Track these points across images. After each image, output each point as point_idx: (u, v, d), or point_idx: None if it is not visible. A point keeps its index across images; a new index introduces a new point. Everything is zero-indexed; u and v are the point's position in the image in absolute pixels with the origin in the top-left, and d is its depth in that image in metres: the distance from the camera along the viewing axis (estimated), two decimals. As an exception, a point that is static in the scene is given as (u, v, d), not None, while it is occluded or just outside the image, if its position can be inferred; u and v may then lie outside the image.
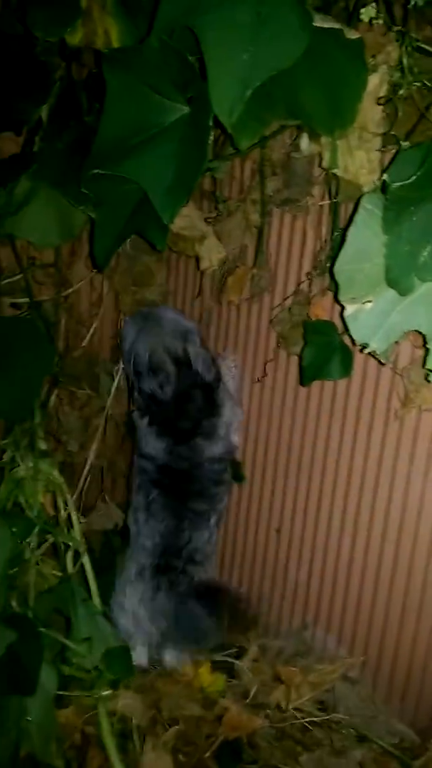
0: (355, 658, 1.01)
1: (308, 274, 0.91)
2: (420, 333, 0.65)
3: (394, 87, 0.71)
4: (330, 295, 0.89)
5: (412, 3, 0.62)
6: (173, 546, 1.01)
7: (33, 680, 0.80)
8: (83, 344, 1.14)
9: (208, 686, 0.97)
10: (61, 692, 0.87)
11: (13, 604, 0.91)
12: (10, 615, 0.88)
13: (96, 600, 0.95)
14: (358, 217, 0.62)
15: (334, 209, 0.82)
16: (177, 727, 0.91)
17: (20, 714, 0.83)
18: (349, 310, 0.66)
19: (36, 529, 0.97)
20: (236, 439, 1.07)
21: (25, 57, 0.83)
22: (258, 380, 1.04)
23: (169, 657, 1.05)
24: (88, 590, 0.96)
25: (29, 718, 0.83)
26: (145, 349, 0.97)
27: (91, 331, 1.13)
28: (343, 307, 0.67)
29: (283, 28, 0.59)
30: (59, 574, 0.98)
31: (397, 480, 0.92)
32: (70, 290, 1.08)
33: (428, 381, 0.74)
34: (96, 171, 0.70)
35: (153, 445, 1.02)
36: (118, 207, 0.75)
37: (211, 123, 0.64)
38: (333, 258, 0.82)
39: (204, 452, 1.01)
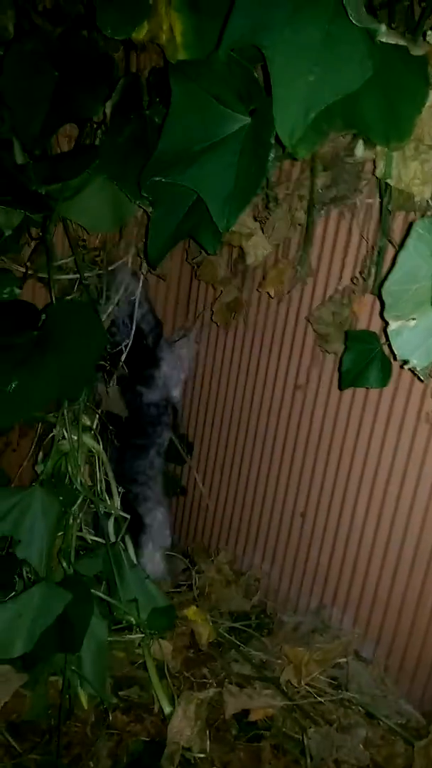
0: (355, 634, 1.07)
1: (353, 278, 0.92)
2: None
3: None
4: (369, 296, 0.92)
5: None
6: (119, 471, 1.19)
7: (80, 639, 0.87)
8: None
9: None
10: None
11: (64, 565, 0.99)
12: (64, 577, 0.95)
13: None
14: (410, 241, 0.64)
15: (384, 216, 0.83)
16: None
17: (65, 665, 0.92)
18: (393, 326, 0.69)
19: (80, 499, 1.04)
20: (176, 391, 1.28)
21: (90, 51, 0.84)
22: (297, 386, 1.09)
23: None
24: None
25: (74, 668, 0.92)
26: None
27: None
28: (386, 323, 0.69)
29: (351, 51, 0.60)
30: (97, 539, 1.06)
31: (424, 473, 0.96)
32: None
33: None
34: (158, 178, 0.72)
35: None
36: (173, 208, 0.78)
37: (272, 138, 0.65)
38: (377, 266, 0.85)
39: (143, 397, 1.22)
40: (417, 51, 0.67)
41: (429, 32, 0.66)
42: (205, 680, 1.04)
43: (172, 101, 0.70)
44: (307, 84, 0.60)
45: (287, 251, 1.03)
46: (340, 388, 0.87)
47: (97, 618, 0.92)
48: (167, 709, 0.94)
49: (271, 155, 0.66)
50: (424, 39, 0.66)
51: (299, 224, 0.97)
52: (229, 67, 0.66)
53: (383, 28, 0.59)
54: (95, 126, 0.90)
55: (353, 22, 0.56)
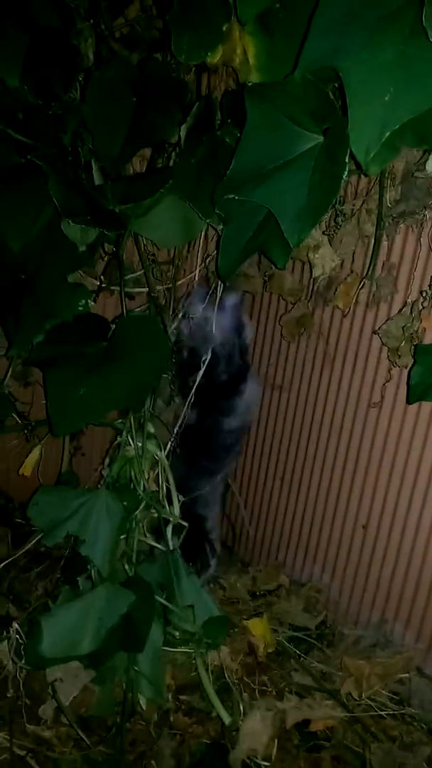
0: (418, 650, 1.05)
1: (422, 291, 0.92)
2: None
3: None
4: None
5: None
6: (179, 489, 1.16)
7: (143, 639, 0.90)
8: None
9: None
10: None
11: (126, 567, 1.02)
12: (127, 579, 0.98)
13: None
14: None
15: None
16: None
17: (129, 665, 0.95)
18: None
19: (143, 504, 1.07)
20: (255, 413, 1.26)
21: (165, 76, 0.88)
22: (374, 405, 1.08)
23: None
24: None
25: (136, 668, 0.95)
26: (211, 339, 1.12)
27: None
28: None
29: (425, 71, 0.61)
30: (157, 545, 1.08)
31: None
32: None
33: None
34: (231, 196, 0.75)
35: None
36: (244, 225, 0.80)
37: (346, 156, 0.67)
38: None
39: (223, 425, 1.19)
40: None
41: None
42: (265, 688, 1.05)
43: (247, 122, 0.73)
44: (382, 104, 0.61)
45: (356, 266, 1.04)
46: (408, 402, 0.87)
47: (155, 622, 0.95)
48: (226, 719, 0.96)
49: (345, 173, 0.67)
50: None
51: (366, 236, 0.97)
52: (304, 88, 0.68)
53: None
54: (168, 147, 0.94)
55: (428, 38, 0.57)
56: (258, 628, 1.12)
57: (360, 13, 0.64)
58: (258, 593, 1.24)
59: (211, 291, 1.12)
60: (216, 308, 1.11)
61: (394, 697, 1.04)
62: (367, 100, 0.62)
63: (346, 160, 0.66)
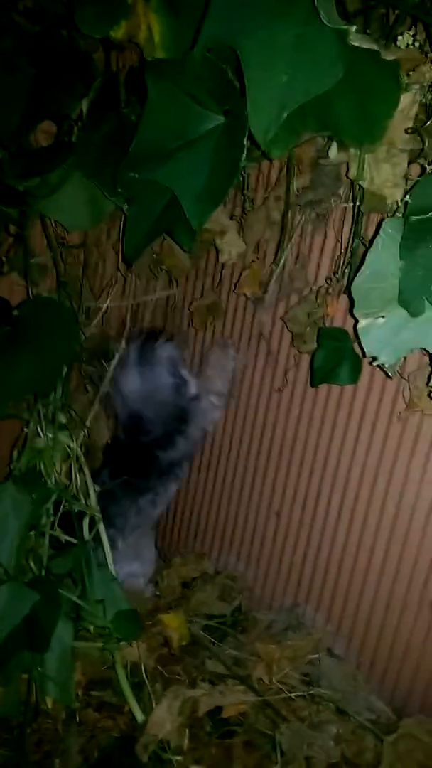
0: (328, 632, 1.08)
1: (327, 278, 0.94)
2: (427, 351, 0.69)
3: (426, 107, 0.73)
4: (343, 297, 0.93)
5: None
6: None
7: (47, 638, 0.88)
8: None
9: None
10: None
11: (31, 565, 0.98)
12: (32, 578, 0.95)
13: (111, 565, 1.03)
14: (378, 241, 0.65)
15: (357, 218, 0.85)
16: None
17: (32, 665, 0.92)
18: (362, 323, 0.70)
19: (53, 497, 1.04)
20: (198, 443, 1.19)
21: (68, 50, 0.85)
22: (279, 390, 1.09)
23: None
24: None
25: (41, 668, 0.92)
26: (141, 396, 1.08)
27: (104, 309, 1.16)
28: (356, 320, 0.71)
29: (322, 54, 0.61)
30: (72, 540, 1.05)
31: (395, 475, 0.97)
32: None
33: (430, 397, 0.78)
34: (132, 174, 0.73)
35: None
36: (149, 206, 0.79)
37: (245, 138, 0.66)
38: (351, 266, 0.87)
39: (162, 459, 1.13)
40: (389, 55, 0.69)
41: (400, 37, 0.68)
42: (178, 677, 1.04)
43: (147, 98, 0.71)
44: (280, 85, 0.61)
45: (263, 253, 1.05)
46: (312, 385, 0.88)
47: (64, 620, 0.92)
48: (138, 713, 0.94)
49: (244, 154, 0.67)
50: (395, 44, 0.68)
51: (275, 224, 0.98)
52: (204, 67, 0.67)
53: (353, 29, 0.60)
54: (74, 124, 0.91)
55: (325, 23, 0.58)
56: (173, 621, 1.11)
57: (258, -6, 0.63)
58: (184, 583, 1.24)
59: (142, 343, 1.08)
60: (150, 364, 1.07)
61: (305, 678, 1.06)
62: (265, 81, 0.62)
63: (245, 142, 0.66)
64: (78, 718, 0.95)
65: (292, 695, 1.00)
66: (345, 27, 0.60)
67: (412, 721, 0.95)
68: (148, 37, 0.81)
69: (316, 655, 1.07)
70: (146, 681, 1.00)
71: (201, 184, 0.70)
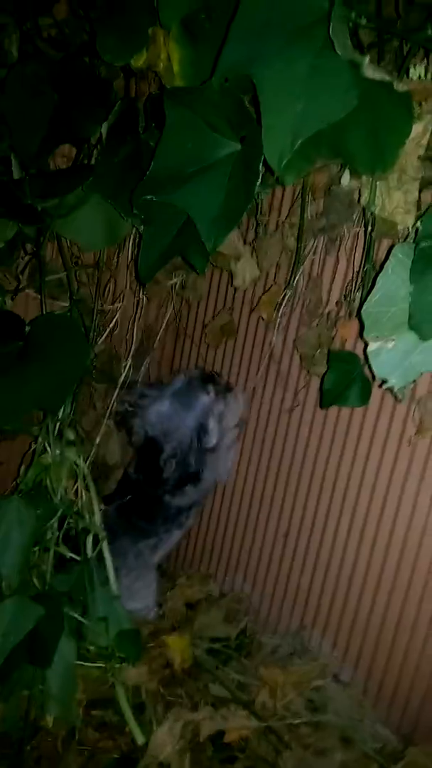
0: (334, 657, 1.07)
1: (337, 302, 0.95)
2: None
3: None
4: (355, 320, 0.94)
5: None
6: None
7: (50, 654, 0.87)
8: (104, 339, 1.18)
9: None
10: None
11: (35, 581, 0.98)
12: (36, 593, 0.95)
13: (113, 584, 1.03)
14: (389, 265, 0.66)
15: (369, 244, 0.86)
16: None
17: (34, 682, 0.91)
18: (373, 347, 0.71)
19: (59, 513, 1.04)
20: (208, 494, 1.19)
21: (90, 76, 0.88)
22: (290, 411, 1.10)
23: None
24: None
25: (42, 685, 0.91)
26: (163, 425, 1.09)
27: (111, 324, 1.18)
28: (367, 344, 0.72)
29: (336, 83, 0.63)
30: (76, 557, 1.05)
31: (404, 500, 0.97)
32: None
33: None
34: (149, 197, 0.75)
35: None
36: (165, 228, 0.80)
37: (261, 165, 0.68)
38: (362, 290, 0.87)
39: (171, 505, 1.13)
40: (402, 86, 0.71)
41: (412, 69, 0.69)
42: (180, 700, 1.03)
43: (166, 124, 0.73)
44: (294, 113, 0.63)
45: (278, 277, 1.06)
46: (322, 406, 0.89)
47: (67, 637, 0.92)
48: (139, 738, 0.93)
49: (259, 180, 0.68)
50: (407, 76, 0.70)
51: (289, 249, 1.00)
52: (221, 95, 0.69)
53: (367, 60, 0.62)
54: (92, 148, 0.93)
55: (338, 53, 0.59)
56: (177, 643, 1.11)
57: (276, 25, 0.65)
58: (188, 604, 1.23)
59: (190, 379, 1.10)
60: (187, 401, 1.09)
61: (311, 704, 1.04)
62: (280, 109, 0.63)
63: (260, 169, 0.68)
64: (78, 737, 0.93)
65: (296, 722, 0.99)
66: (358, 58, 0.62)
67: (418, 750, 0.93)
68: (168, 65, 0.83)
69: (322, 682, 1.06)
70: (147, 701, 0.99)
71: (216, 208, 0.72)
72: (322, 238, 0.98)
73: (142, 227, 0.85)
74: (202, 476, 1.12)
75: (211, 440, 1.11)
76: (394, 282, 0.67)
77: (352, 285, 0.95)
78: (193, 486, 1.13)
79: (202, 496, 1.18)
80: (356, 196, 0.90)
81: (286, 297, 1.02)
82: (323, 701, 1.04)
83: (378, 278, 0.67)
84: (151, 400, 1.11)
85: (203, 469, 1.12)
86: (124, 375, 1.19)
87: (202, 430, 1.10)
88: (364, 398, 0.84)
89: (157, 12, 0.77)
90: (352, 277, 0.95)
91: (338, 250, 0.99)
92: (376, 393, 0.91)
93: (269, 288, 1.02)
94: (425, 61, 0.73)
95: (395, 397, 0.88)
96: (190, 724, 0.96)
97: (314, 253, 1.00)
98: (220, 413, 1.11)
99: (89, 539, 1.05)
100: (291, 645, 1.13)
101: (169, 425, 1.10)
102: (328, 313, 0.97)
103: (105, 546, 1.05)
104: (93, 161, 0.93)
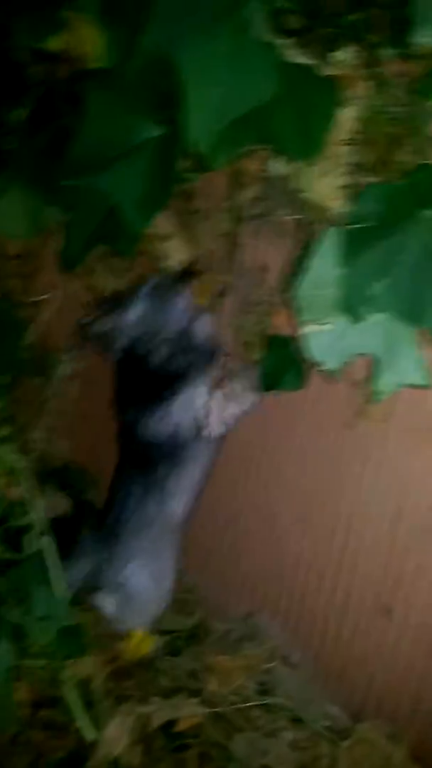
0: (283, 640, 1.08)
1: (273, 287, 0.95)
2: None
3: (364, 121, 0.75)
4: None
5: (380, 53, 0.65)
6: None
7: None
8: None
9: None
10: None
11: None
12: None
13: (58, 581, 1.00)
14: (319, 249, 0.66)
15: (301, 229, 0.86)
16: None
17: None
18: (307, 330, 0.71)
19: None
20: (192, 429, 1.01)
21: (4, 60, 0.84)
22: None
23: None
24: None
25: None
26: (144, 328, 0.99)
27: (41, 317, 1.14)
28: (302, 327, 0.72)
29: (256, 67, 0.62)
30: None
31: (347, 483, 0.98)
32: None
33: (372, 401, 0.80)
34: (71, 181, 0.73)
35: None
36: (89, 213, 0.78)
37: (184, 147, 0.67)
38: (296, 277, 0.87)
39: (141, 427, 1.02)
40: (325, 72, 0.71)
41: (335, 53, 0.69)
42: (131, 694, 1.02)
43: (85, 107, 0.71)
44: (216, 96, 0.62)
45: (213, 263, 1.05)
46: (263, 390, 0.89)
47: (4, 639, 0.89)
48: (89, 735, 0.92)
49: (181, 163, 0.67)
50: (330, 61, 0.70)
51: (224, 235, 0.99)
52: (143, 77, 0.67)
53: (283, 43, 0.62)
54: (10, 134, 0.90)
55: (254, 36, 0.59)
56: (134, 637, 1.10)
57: (198, 6, 0.64)
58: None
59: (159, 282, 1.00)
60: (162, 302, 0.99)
61: (262, 687, 1.05)
62: (203, 92, 0.62)
63: (183, 150, 0.66)
64: (24, 738, 0.92)
65: (247, 705, 1.00)
66: (278, 41, 0.61)
67: (367, 725, 0.96)
68: (87, 49, 0.81)
69: (272, 664, 1.07)
70: (96, 696, 0.98)
71: (140, 191, 0.70)
72: (257, 223, 0.97)
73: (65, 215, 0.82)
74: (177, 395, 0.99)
75: (199, 338, 1.00)
76: (325, 266, 0.67)
77: (289, 271, 0.95)
78: (167, 403, 1.00)
79: (180, 431, 1.01)
80: (289, 182, 0.90)
81: (224, 284, 1.01)
82: (273, 684, 1.05)
83: (309, 261, 0.67)
84: (122, 308, 1.00)
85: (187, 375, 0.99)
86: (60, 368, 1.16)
87: (190, 322, 1.00)
88: (301, 382, 0.85)
89: (72, -8, 0.74)
90: (286, 263, 0.95)
91: (274, 236, 0.98)
92: (317, 378, 0.92)
93: (201, 274, 1.01)
94: (348, 47, 0.73)
95: (333, 381, 0.89)
96: (141, 717, 0.96)
97: (251, 239, 0.99)
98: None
99: (29, 537, 1.02)
100: (241, 630, 1.14)
101: (149, 328, 1.00)
102: (266, 300, 0.96)
103: (46, 542, 1.02)
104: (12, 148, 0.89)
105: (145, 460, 1.03)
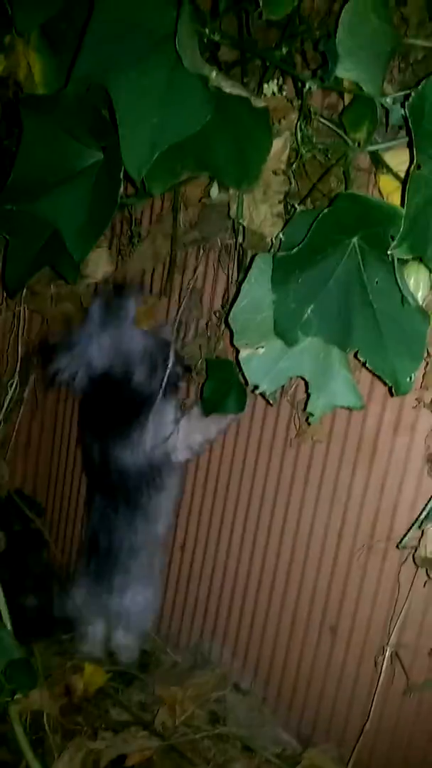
0: (233, 667, 1.07)
1: (215, 312, 0.96)
2: (304, 379, 0.72)
3: (296, 152, 0.78)
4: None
5: (308, 86, 0.68)
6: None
7: None
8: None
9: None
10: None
11: None
12: None
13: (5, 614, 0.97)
14: (251, 274, 0.68)
15: (240, 255, 0.88)
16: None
17: None
18: (243, 354, 0.72)
19: None
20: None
21: None
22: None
23: None
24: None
25: None
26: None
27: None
28: (237, 351, 0.73)
29: (190, 97, 0.64)
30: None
31: (291, 504, 0.99)
32: None
33: (308, 423, 0.81)
34: (10, 207, 0.73)
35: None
36: (30, 238, 0.78)
37: (122, 174, 0.68)
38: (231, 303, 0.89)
39: (114, 459, 1.03)
40: (258, 103, 0.73)
41: (266, 85, 0.72)
42: (80, 728, 0.99)
43: (23, 132, 0.72)
44: (151, 124, 0.63)
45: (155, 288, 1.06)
46: (204, 413, 0.89)
47: None
48: (36, 768, 0.89)
49: (121, 189, 0.68)
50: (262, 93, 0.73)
51: (163, 258, 1.00)
52: (78, 104, 0.68)
53: (214, 74, 0.64)
54: None
55: (186, 67, 0.60)
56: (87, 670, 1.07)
57: (130, 36, 0.66)
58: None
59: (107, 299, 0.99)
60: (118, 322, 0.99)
61: (213, 716, 1.04)
62: (136, 121, 0.64)
63: (121, 177, 0.67)
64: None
65: (197, 736, 0.97)
66: (206, 73, 0.63)
67: (316, 751, 0.95)
68: (28, 74, 0.82)
69: (222, 692, 1.05)
70: (45, 732, 0.95)
71: (82, 219, 0.71)
72: (197, 248, 0.99)
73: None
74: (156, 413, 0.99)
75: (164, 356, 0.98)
76: (259, 291, 0.68)
77: (228, 296, 0.96)
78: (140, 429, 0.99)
79: (152, 464, 1.02)
80: (227, 209, 0.93)
81: (167, 308, 1.02)
82: (224, 712, 1.04)
83: (242, 286, 0.69)
84: (77, 343, 0.99)
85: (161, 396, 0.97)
86: (10, 393, 1.14)
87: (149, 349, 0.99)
88: (241, 404, 0.86)
89: (11, 19, 0.75)
90: (227, 288, 0.97)
91: (215, 262, 1.00)
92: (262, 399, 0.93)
93: (145, 300, 1.02)
94: (280, 80, 0.76)
95: (268, 402, 0.90)
96: (91, 753, 0.92)
97: (191, 263, 1.01)
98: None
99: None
100: (191, 659, 1.12)
101: (116, 350, 0.99)
102: (207, 323, 0.98)
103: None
104: None
105: (125, 489, 1.04)
